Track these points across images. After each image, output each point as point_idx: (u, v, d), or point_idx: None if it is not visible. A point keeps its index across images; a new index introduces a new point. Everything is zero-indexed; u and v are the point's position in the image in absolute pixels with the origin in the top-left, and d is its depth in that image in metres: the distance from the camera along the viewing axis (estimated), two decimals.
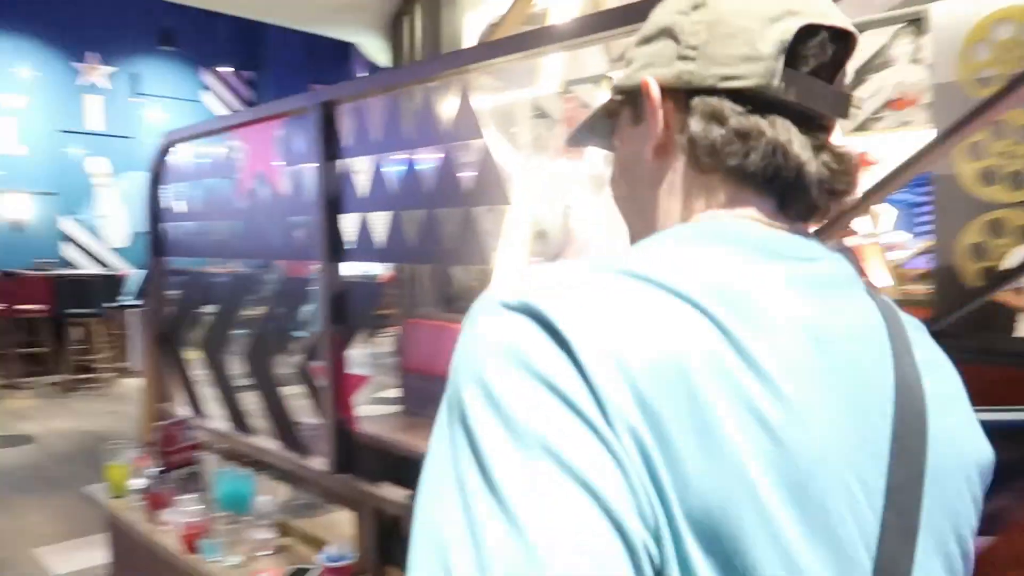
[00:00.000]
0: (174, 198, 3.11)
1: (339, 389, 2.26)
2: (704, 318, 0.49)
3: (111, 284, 9.15)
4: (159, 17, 10.65)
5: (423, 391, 4.86)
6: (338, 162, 2.21)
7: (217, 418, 2.87)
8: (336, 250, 2.23)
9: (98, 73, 11.09)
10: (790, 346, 0.51)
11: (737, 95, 0.58)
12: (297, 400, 2.49)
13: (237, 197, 2.68)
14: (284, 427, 2.49)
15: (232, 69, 12.65)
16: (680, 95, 0.61)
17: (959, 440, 0.59)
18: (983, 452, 0.62)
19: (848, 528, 0.50)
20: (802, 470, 0.48)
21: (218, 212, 2.79)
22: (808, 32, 0.58)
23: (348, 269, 2.24)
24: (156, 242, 3.18)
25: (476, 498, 0.44)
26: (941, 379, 0.61)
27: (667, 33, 0.62)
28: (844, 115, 0.60)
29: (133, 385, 8.03)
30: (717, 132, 0.58)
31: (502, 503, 0.43)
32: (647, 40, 0.64)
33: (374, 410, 6.70)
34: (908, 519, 0.52)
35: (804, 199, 0.60)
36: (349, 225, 2.23)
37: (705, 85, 0.59)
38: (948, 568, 0.56)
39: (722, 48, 0.58)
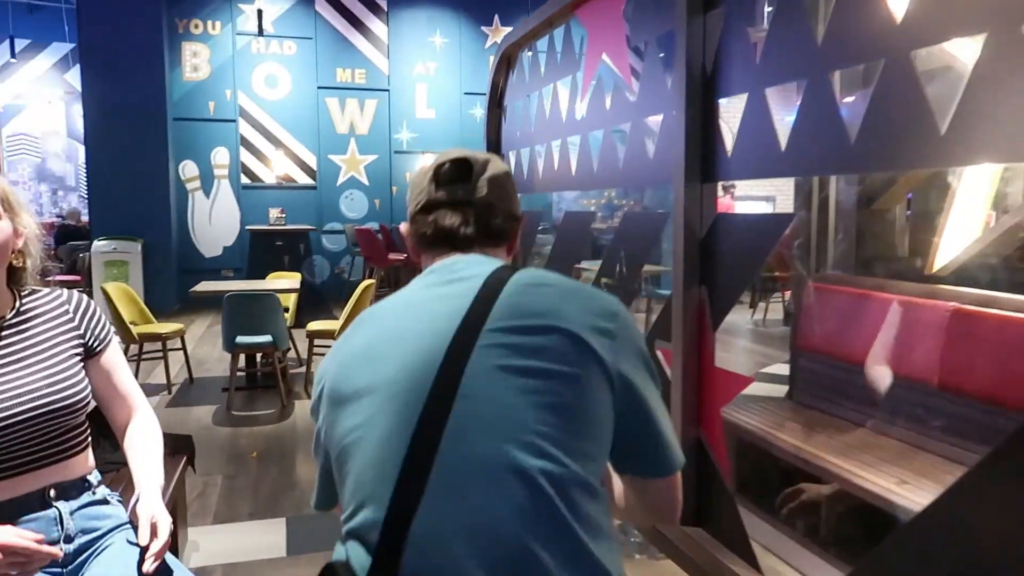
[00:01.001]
0: (515, 121, 2.50)
1: (697, 391, 1.40)
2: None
3: None
4: None
5: (821, 377, 3.73)
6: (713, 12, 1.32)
7: None
8: (706, 162, 1.36)
9: (502, 34, 11.48)
10: (387, 309, 1.09)
11: (422, 210, 1.16)
12: None
13: (578, 101, 1.93)
14: None
15: None
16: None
17: (525, 309, 1.00)
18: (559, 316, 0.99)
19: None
20: (373, 351, 1.03)
21: (555, 127, 2.09)
22: (440, 167, 1.15)
23: (726, 206, 1.35)
24: None
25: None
26: (528, 279, 1.05)
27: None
28: (471, 196, 1.13)
29: None
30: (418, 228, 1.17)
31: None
32: None
33: (750, 388, 5.69)
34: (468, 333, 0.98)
35: (457, 242, 1.13)
36: (728, 128, 1.33)
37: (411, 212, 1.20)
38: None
39: (413, 198, 1.20)
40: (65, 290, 1.62)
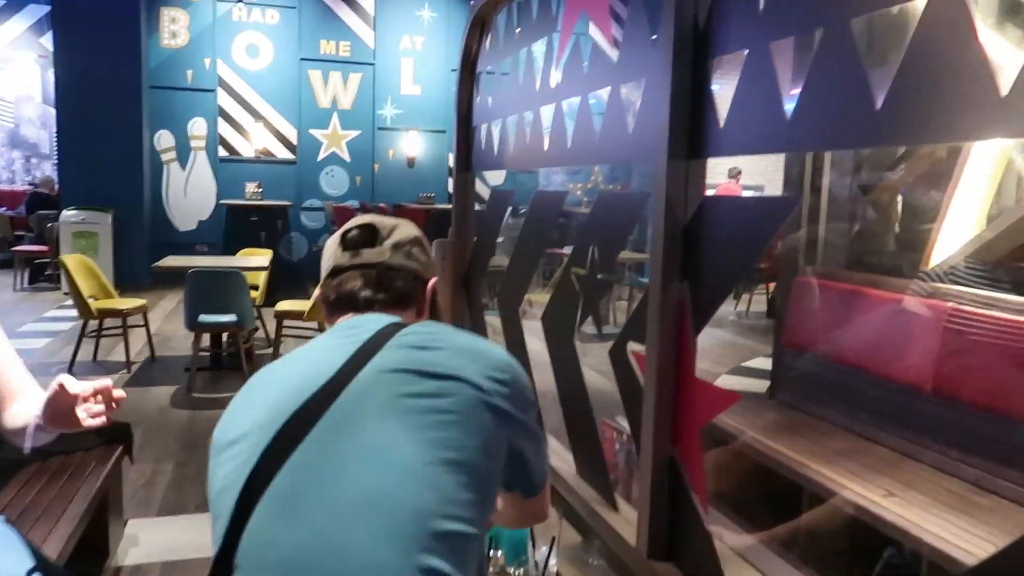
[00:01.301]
0: (487, 91, 2.27)
1: (673, 404, 1.20)
2: None
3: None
4: None
5: (808, 377, 3.54)
6: None
7: None
8: (694, 134, 1.15)
9: None
10: (278, 364, 1.11)
11: (330, 274, 1.20)
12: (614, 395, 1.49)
13: (553, 66, 1.71)
14: (580, 444, 1.51)
15: None
16: None
17: (390, 363, 1.02)
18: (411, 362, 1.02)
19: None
20: (251, 399, 1.04)
21: (528, 96, 1.87)
22: (347, 232, 1.20)
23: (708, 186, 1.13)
24: (462, 152, 2.40)
25: None
26: (406, 341, 1.06)
27: None
28: (374, 260, 1.17)
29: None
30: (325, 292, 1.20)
31: None
32: None
33: (731, 383, 5.51)
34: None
35: (358, 304, 1.16)
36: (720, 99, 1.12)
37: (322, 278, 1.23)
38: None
39: (324, 263, 1.23)
40: None
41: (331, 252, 1.20)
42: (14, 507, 2.23)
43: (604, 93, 1.46)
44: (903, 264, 3.45)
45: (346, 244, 1.18)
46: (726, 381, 5.46)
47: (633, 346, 1.37)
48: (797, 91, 0.93)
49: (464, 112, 2.39)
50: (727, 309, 8.00)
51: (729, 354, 6.31)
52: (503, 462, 1.02)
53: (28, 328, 6.83)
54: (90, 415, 1.30)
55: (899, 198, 3.83)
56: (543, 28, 1.78)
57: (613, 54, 1.43)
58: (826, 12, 0.89)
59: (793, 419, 3.40)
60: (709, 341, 6.44)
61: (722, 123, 1.10)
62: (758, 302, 8.12)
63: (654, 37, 1.27)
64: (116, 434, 2.67)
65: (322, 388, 0.98)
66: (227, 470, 0.96)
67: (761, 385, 4.11)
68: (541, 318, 1.77)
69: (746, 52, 1.02)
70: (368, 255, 1.17)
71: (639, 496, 1.29)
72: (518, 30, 1.93)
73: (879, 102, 0.80)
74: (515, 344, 1.98)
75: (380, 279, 1.16)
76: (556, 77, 1.69)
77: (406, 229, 1.22)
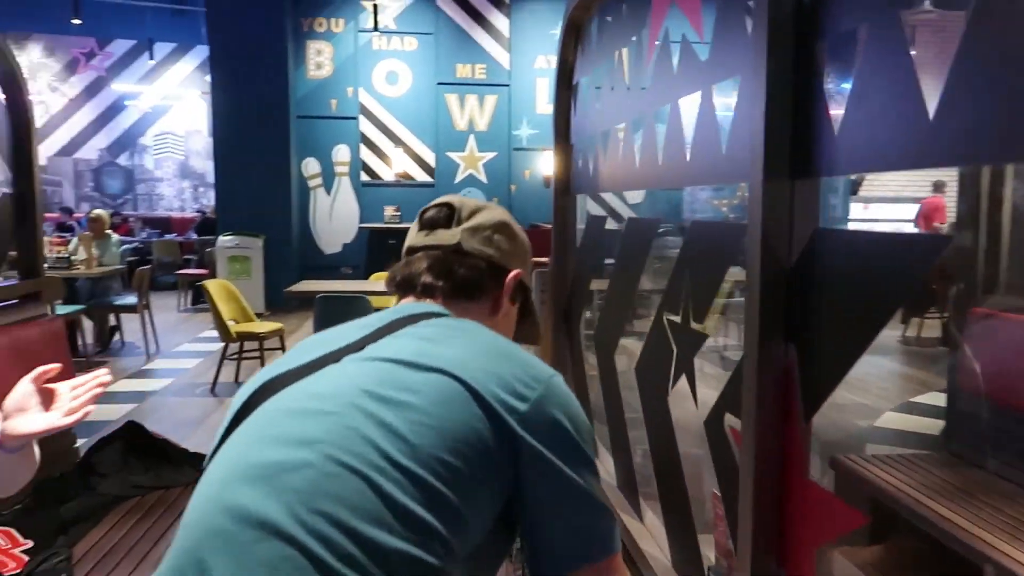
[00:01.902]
0: (585, 102, 2.02)
1: (776, 510, 0.88)
2: None
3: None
4: None
5: (990, 427, 2.97)
6: None
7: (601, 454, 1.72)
8: (799, 145, 0.84)
9: None
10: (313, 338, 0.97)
11: (405, 253, 1.10)
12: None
13: (642, 71, 1.44)
14: (671, 515, 1.21)
15: None
16: None
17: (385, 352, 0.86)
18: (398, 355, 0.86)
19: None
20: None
21: (617, 106, 1.59)
22: (425, 210, 1.09)
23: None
24: (561, 174, 2.15)
25: None
26: (421, 332, 0.90)
27: None
28: (444, 242, 1.04)
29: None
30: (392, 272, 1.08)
31: None
32: None
33: (896, 422, 4.83)
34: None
35: (415, 288, 1.02)
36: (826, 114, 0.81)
37: None
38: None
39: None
40: None
41: (411, 231, 1.11)
42: (102, 546, 2.20)
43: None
44: None
45: (423, 223, 1.08)
46: (891, 420, 4.82)
47: (731, 419, 1.07)
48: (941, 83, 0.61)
49: (562, 129, 2.14)
50: (892, 333, 7.18)
51: (895, 387, 5.61)
52: (494, 498, 0.80)
53: (184, 348, 7.24)
54: (66, 413, 1.07)
55: None
56: (633, 27, 1.50)
57: (704, 50, 1.13)
58: None
59: (970, 477, 2.84)
60: (869, 370, 5.76)
61: (837, 129, 0.78)
62: (931, 326, 7.23)
63: (749, 26, 0.97)
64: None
65: (305, 364, 0.87)
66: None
67: (933, 426, 3.53)
68: (635, 369, 1.49)
69: (866, 27, 0.70)
70: (440, 236, 1.04)
71: None
72: (607, 33, 1.67)
73: None
74: (611, 393, 1.70)
75: (444, 264, 1.01)
76: (645, 82, 1.42)
77: (492, 212, 1.08)
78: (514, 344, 0.92)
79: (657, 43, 1.33)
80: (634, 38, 1.48)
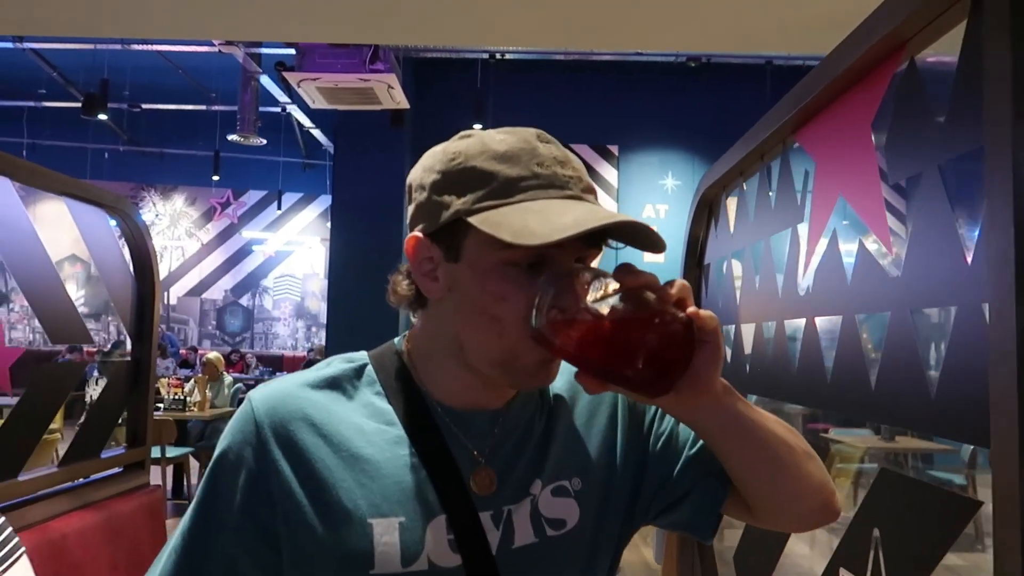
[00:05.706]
0: (719, 286, 1.85)
1: None
2: None
3: None
4: None
5: None
6: None
7: None
8: None
9: None
10: None
11: None
12: None
13: (800, 268, 1.26)
14: None
15: None
16: None
17: None
18: None
19: None
20: None
21: (764, 305, 1.41)
22: None
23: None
24: None
25: None
26: None
27: None
28: None
29: None
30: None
31: None
32: None
33: None
34: None
35: None
36: None
37: None
38: None
39: None
40: None
41: None
42: None
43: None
44: None
45: None
46: None
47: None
48: None
49: None
50: None
51: None
52: None
53: None
54: None
55: None
56: (785, 216, 1.34)
57: (890, 258, 0.95)
58: None
59: None
60: None
61: None
62: None
63: (964, 236, 0.79)
64: None
65: None
66: None
67: None
68: (733, 558, 1.22)
69: None
70: None
71: None
72: (752, 216, 1.51)
73: None
74: None
75: None
76: (805, 282, 1.23)
77: None
78: None
79: (823, 241, 1.16)
80: (787, 231, 1.31)
